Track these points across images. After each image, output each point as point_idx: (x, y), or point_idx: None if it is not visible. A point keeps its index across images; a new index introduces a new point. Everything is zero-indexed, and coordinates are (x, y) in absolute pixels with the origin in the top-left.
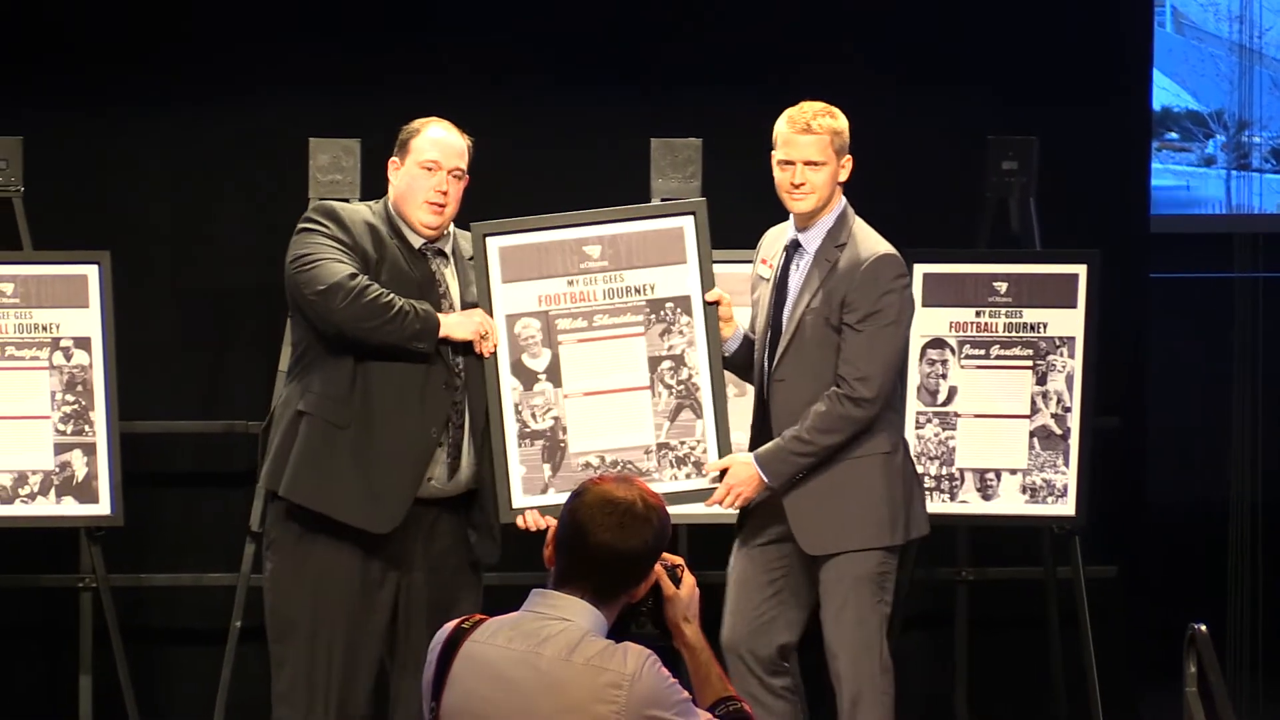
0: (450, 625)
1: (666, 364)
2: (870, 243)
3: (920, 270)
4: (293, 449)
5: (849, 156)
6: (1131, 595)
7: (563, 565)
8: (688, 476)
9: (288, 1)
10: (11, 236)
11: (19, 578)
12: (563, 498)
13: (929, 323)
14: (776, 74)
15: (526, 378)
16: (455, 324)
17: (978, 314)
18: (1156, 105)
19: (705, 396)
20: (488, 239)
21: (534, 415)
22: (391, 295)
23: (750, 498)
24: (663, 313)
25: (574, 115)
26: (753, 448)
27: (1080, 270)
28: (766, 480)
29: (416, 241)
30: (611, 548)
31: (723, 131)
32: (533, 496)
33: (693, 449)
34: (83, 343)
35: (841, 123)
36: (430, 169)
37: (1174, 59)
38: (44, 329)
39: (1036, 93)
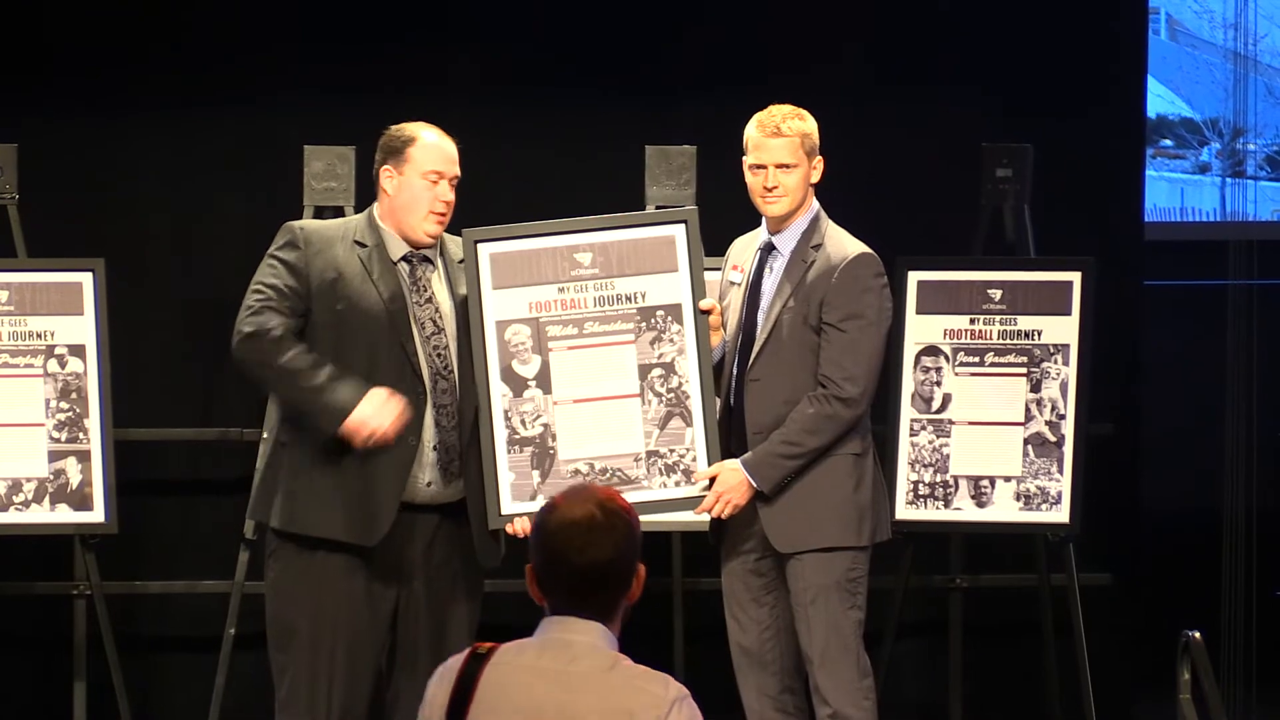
0: (460, 656)
1: (657, 372)
2: (846, 243)
3: (914, 277)
4: (277, 481)
5: (820, 158)
6: (1125, 602)
7: (558, 597)
8: (676, 484)
9: (283, 9)
10: (6, 244)
11: (13, 585)
12: None
13: (923, 330)
14: (771, 81)
15: (516, 384)
16: (369, 413)
17: (972, 321)
18: (1151, 112)
19: (695, 404)
20: (479, 245)
21: (523, 422)
22: (302, 370)
23: (740, 504)
24: (653, 320)
25: (569, 122)
26: (722, 451)
27: (1074, 277)
28: (756, 485)
29: (397, 252)
30: (594, 563)
31: (717, 139)
32: (521, 503)
33: (682, 457)
34: (77, 350)
35: (810, 124)
36: (435, 179)
37: (1168, 66)
38: (38, 336)
39: (1031, 100)
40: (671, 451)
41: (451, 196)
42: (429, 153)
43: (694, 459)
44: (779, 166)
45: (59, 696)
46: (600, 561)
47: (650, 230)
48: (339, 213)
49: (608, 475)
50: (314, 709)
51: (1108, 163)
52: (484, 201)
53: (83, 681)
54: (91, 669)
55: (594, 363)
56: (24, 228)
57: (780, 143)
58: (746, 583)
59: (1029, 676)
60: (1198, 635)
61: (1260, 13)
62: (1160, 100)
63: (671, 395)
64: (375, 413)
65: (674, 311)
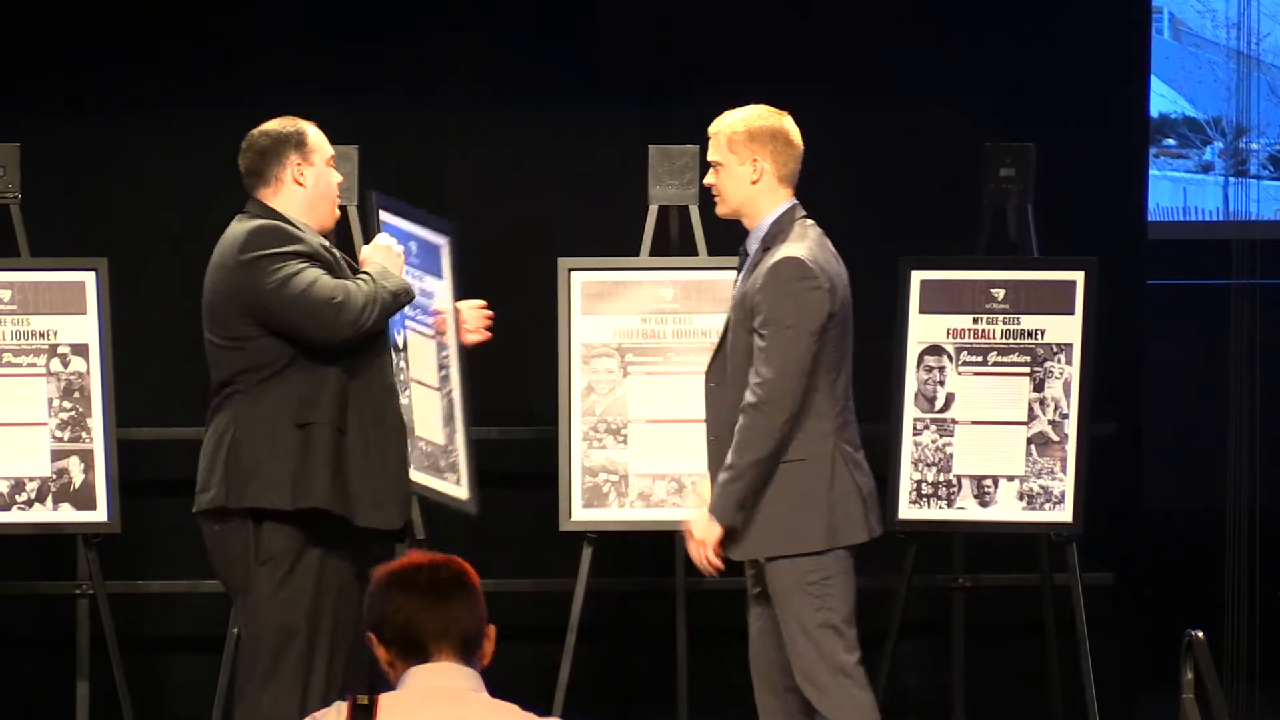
0: (337, 708)
1: (442, 372)
2: (786, 247)
3: (917, 277)
4: (306, 459)
5: (761, 157)
6: (1128, 602)
7: (419, 642)
8: (456, 482)
9: (286, 8)
10: (9, 243)
11: (16, 585)
12: (419, 478)
13: (926, 329)
14: (774, 81)
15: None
16: (380, 256)
17: (975, 321)
18: (1154, 112)
19: (457, 409)
20: (382, 211)
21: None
22: (362, 285)
23: (715, 546)
24: (439, 323)
25: (572, 122)
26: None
27: (1077, 277)
28: (717, 520)
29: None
30: (456, 594)
31: None
32: None
33: (453, 456)
34: (80, 349)
35: (745, 123)
36: (331, 164)
37: (1171, 66)
38: (41, 335)
39: (1034, 99)
40: (449, 451)
41: (340, 178)
42: (322, 140)
43: (457, 459)
44: (711, 166)
45: (61, 696)
46: (461, 595)
47: (428, 234)
48: (342, 211)
49: (428, 461)
50: (305, 712)
51: (1110, 162)
52: (485, 202)
53: (85, 681)
54: (94, 669)
55: (425, 351)
56: (27, 227)
57: (711, 142)
58: (753, 583)
59: (1031, 676)
60: (1200, 635)
61: (1263, 12)
62: (1163, 99)
63: (449, 396)
64: (382, 251)
65: (447, 317)
